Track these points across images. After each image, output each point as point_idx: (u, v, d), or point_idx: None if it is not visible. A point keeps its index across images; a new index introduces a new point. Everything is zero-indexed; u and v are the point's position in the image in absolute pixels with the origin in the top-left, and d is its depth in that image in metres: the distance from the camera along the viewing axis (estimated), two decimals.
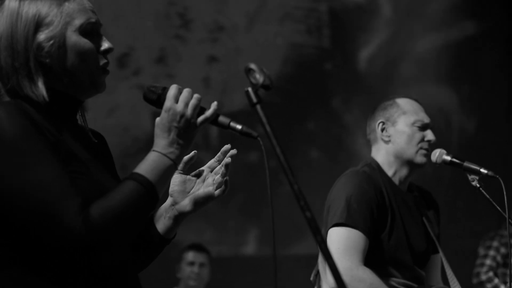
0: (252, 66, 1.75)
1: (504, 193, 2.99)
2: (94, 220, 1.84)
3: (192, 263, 5.69)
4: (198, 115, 2.01)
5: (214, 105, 2.02)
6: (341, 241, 3.06)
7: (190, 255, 5.72)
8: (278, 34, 6.79)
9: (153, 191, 1.94)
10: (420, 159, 3.30)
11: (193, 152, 2.20)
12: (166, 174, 1.99)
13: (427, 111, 3.41)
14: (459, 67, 7.64)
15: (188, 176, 2.24)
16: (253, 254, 6.54)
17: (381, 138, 3.34)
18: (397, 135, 3.31)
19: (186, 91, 2.00)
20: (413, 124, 3.32)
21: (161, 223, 2.23)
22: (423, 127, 3.33)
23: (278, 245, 6.12)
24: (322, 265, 3.26)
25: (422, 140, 3.30)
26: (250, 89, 1.77)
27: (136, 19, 6.11)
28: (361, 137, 7.19)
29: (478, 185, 3.11)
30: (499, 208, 3.05)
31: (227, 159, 2.21)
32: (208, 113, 2.01)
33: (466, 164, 3.17)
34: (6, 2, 2.03)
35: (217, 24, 6.56)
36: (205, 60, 6.41)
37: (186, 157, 2.19)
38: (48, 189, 1.84)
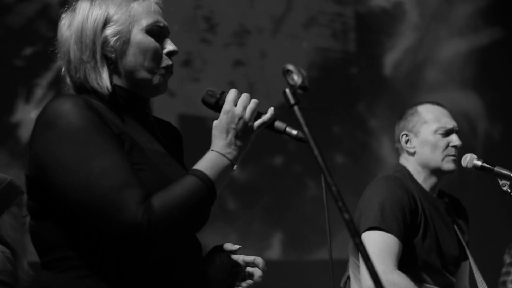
0: (290, 67, 1.75)
1: None
2: (155, 210, 1.87)
3: None
4: (255, 119, 2.06)
5: (271, 110, 2.07)
6: (376, 245, 3.04)
7: None
8: (304, 38, 6.78)
9: (212, 188, 1.98)
10: (447, 166, 3.28)
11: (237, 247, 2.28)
12: (224, 173, 2.03)
13: (453, 117, 3.38)
14: (484, 73, 7.59)
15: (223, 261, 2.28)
16: (277, 259, 6.53)
17: (406, 150, 3.33)
18: (421, 146, 3.30)
19: (244, 95, 2.07)
20: (435, 132, 3.29)
21: None
22: (446, 133, 3.30)
23: (303, 250, 6.19)
24: (352, 270, 3.25)
25: (447, 146, 3.28)
26: (288, 90, 1.77)
27: None
28: (387, 142, 7.19)
29: (509, 190, 3.09)
30: None
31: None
32: (266, 117, 2.06)
33: (497, 169, 3.15)
34: (79, 2, 2.13)
35: (243, 27, 6.56)
36: (231, 63, 6.42)
37: (232, 248, 2.28)
38: (111, 177, 1.88)
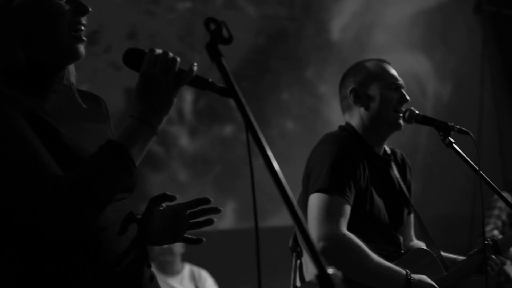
0: (212, 19, 1.68)
1: (476, 148, 2.96)
2: (63, 186, 1.84)
3: None
4: (178, 77, 1.98)
5: (192, 65, 1.99)
6: (324, 207, 3.00)
7: None
8: (250, 6, 6.73)
9: (123, 154, 1.92)
10: (396, 121, 3.24)
11: (175, 195, 2.19)
12: (142, 138, 1.96)
13: (402, 79, 3.35)
14: (432, 34, 7.62)
15: (164, 210, 2.22)
16: (230, 228, 6.52)
17: (355, 104, 3.28)
18: (370, 100, 3.25)
19: (163, 54, 1.97)
20: (385, 86, 3.26)
21: None
22: (396, 88, 3.27)
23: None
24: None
25: (396, 101, 3.25)
26: (210, 43, 1.70)
27: None
28: (337, 107, 7.14)
29: (452, 140, 3.07)
30: (471, 162, 3.02)
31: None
32: (186, 74, 1.98)
33: (437, 122, 3.12)
34: None
35: None
36: (177, 35, 6.34)
37: (168, 194, 2.18)
38: (20, 161, 1.85)
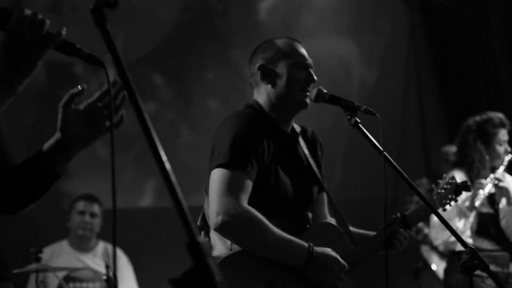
0: None
1: (381, 129, 2.97)
2: None
3: (82, 213, 5.58)
4: (46, 40, 1.93)
5: (60, 29, 1.94)
6: (224, 181, 2.99)
7: (81, 205, 5.61)
8: None
9: None
10: (302, 99, 3.24)
11: (81, 86, 2.11)
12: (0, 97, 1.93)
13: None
14: (360, 19, 7.66)
15: (77, 110, 2.14)
16: (150, 206, 6.48)
17: (262, 81, 3.27)
18: (278, 77, 3.24)
19: (32, 14, 1.93)
20: (293, 65, 3.25)
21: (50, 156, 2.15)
22: (304, 68, 3.26)
23: None
24: (205, 208, 3.22)
25: (304, 81, 3.24)
26: (95, 7, 1.66)
27: None
28: None
29: (358, 120, 3.09)
30: (376, 143, 3.04)
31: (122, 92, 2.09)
32: (54, 37, 1.94)
33: (343, 101, 3.13)
34: None
35: None
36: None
37: (73, 91, 2.10)
38: None
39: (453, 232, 2.98)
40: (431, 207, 3.11)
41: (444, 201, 3.51)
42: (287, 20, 7.17)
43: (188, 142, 6.36)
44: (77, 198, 5.69)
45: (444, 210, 3.49)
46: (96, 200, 5.66)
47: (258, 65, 3.29)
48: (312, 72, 3.27)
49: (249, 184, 3.02)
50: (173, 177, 1.52)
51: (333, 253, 3.08)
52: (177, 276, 1.47)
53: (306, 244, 3.04)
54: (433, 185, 3.57)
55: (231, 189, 2.98)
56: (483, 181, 4.74)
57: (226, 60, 6.84)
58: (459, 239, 2.97)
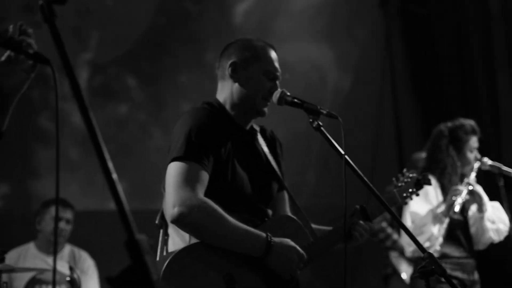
0: None
1: (342, 133, 2.98)
2: None
3: (59, 219, 5.54)
4: None
5: (8, 27, 1.94)
6: (180, 174, 3.00)
7: (55, 210, 5.57)
8: None
9: None
10: (261, 108, 3.28)
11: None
12: None
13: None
14: (336, 25, 7.66)
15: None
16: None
17: (230, 78, 3.28)
18: (246, 79, 3.26)
19: None
20: (265, 73, 3.27)
21: None
22: (272, 78, 3.29)
23: (147, 199, 6.07)
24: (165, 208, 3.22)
25: (268, 90, 3.27)
26: (44, 2, 1.64)
27: None
28: None
29: (320, 123, 3.09)
30: (338, 147, 3.04)
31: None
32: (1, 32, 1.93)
33: (306, 104, 3.14)
34: None
35: None
36: (74, 11, 6.22)
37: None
38: None
39: (411, 236, 2.99)
40: (387, 207, 3.12)
41: (404, 194, 3.51)
42: (263, 24, 7.17)
43: (160, 145, 6.34)
44: (49, 201, 5.65)
45: (405, 203, 3.49)
46: (69, 206, 5.63)
47: (231, 61, 3.30)
48: (278, 85, 3.30)
49: (205, 176, 3.04)
50: (114, 176, 1.51)
51: (292, 243, 3.09)
52: (115, 274, 1.46)
53: (264, 234, 3.05)
54: (393, 179, 3.57)
55: (187, 180, 2.98)
56: (459, 187, 4.75)
57: (200, 63, 6.83)
58: (417, 244, 2.98)
